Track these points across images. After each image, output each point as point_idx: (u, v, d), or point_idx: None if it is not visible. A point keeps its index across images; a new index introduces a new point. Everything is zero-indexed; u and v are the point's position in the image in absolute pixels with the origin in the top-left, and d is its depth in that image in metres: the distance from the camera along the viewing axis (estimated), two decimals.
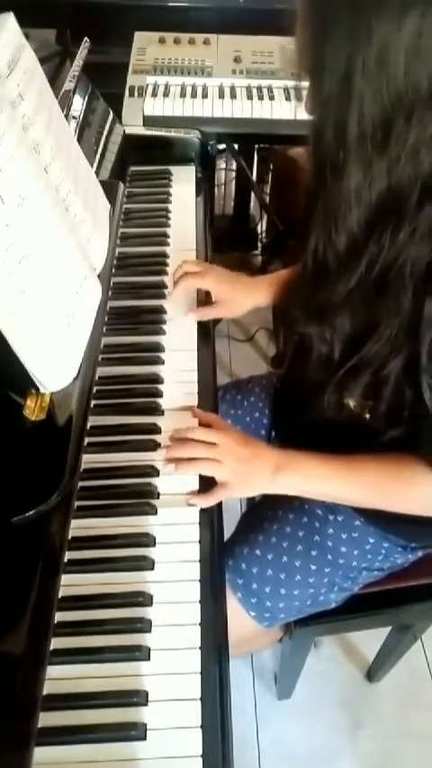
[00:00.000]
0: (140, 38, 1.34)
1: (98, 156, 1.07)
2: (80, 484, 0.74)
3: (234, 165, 2.16)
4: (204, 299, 0.99)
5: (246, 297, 0.98)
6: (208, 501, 0.74)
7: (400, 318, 0.63)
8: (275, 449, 0.79)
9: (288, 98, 1.25)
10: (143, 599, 0.65)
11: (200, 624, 0.64)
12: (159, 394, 0.85)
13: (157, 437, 0.80)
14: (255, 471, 0.76)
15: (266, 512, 0.92)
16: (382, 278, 0.62)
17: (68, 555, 0.68)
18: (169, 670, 0.61)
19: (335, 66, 0.54)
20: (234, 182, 2.20)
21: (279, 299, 0.97)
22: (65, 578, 0.66)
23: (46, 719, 0.57)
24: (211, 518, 0.73)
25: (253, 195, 2.16)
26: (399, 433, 0.72)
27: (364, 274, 0.63)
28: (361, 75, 0.53)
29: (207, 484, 0.75)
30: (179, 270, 0.96)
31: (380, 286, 0.63)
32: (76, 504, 0.72)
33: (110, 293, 0.95)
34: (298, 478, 0.76)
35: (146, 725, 0.57)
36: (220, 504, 0.75)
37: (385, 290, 0.62)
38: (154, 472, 0.76)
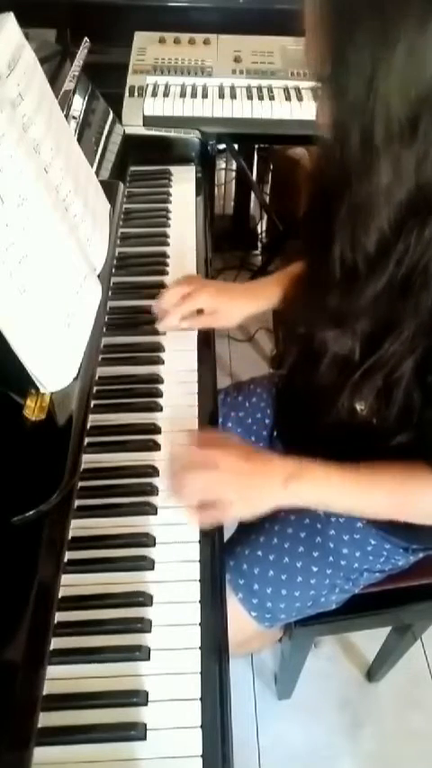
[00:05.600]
0: (140, 38, 1.34)
1: (98, 156, 1.07)
2: (80, 484, 0.74)
3: (234, 165, 2.16)
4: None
5: (234, 308, 0.93)
6: (208, 522, 0.71)
7: (419, 317, 0.63)
8: (285, 458, 0.74)
9: (288, 98, 1.25)
10: (143, 599, 0.65)
11: (200, 624, 0.64)
12: (159, 394, 0.85)
13: (157, 437, 0.80)
14: (263, 486, 0.72)
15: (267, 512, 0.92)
16: (408, 277, 0.62)
17: (68, 555, 0.68)
18: (169, 670, 0.61)
19: (360, 70, 0.53)
20: (234, 182, 2.20)
21: (281, 304, 0.94)
22: (65, 578, 0.66)
23: (46, 719, 0.57)
24: None
25: (253, 195, 2.16)
26: (406, 439, 0.71)
27: (391, 275, 0.63)
28: (387, 78, 0.52)
29: None
30: (167, 297, 0.90)
31: (404, 286, 0.63)
32: (76, 504, 0.72)
33: (110, 293, 0.95)
34: (312, 486, 0.72)
35: (146, 725, 0.57)
36: None
37: (409, 289, 0.62)
38: (154, 472, 0.76)
